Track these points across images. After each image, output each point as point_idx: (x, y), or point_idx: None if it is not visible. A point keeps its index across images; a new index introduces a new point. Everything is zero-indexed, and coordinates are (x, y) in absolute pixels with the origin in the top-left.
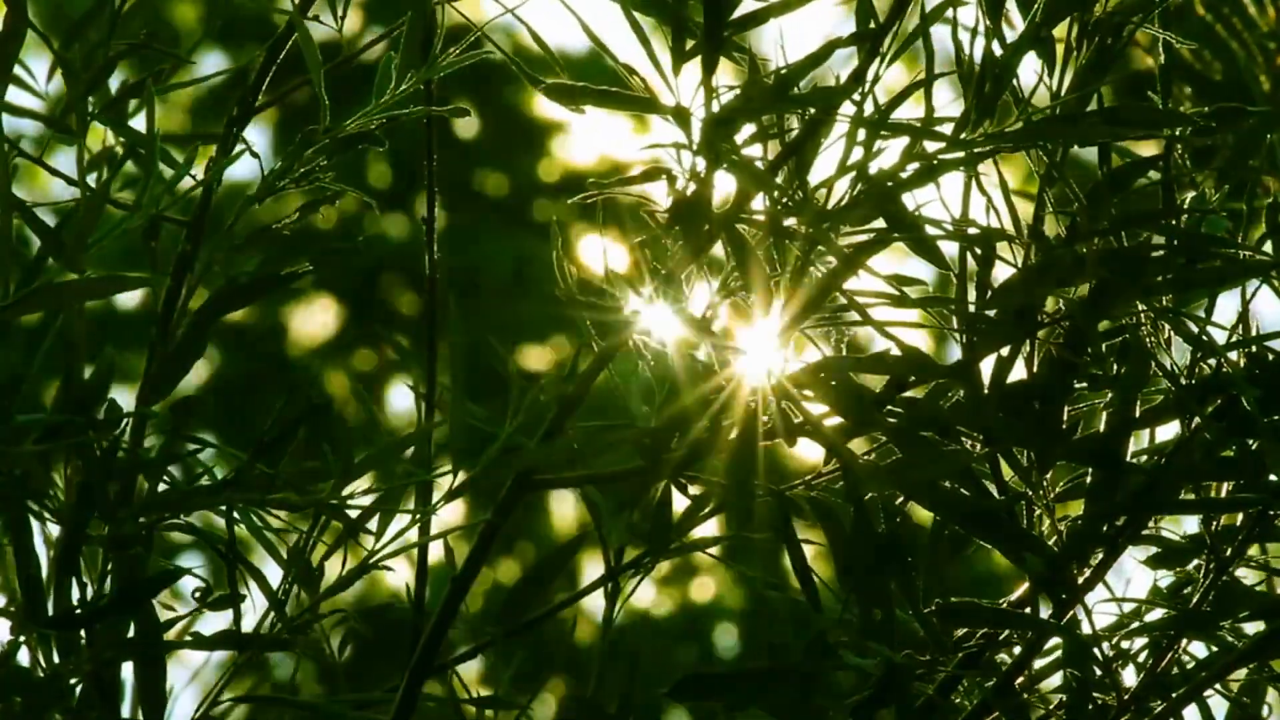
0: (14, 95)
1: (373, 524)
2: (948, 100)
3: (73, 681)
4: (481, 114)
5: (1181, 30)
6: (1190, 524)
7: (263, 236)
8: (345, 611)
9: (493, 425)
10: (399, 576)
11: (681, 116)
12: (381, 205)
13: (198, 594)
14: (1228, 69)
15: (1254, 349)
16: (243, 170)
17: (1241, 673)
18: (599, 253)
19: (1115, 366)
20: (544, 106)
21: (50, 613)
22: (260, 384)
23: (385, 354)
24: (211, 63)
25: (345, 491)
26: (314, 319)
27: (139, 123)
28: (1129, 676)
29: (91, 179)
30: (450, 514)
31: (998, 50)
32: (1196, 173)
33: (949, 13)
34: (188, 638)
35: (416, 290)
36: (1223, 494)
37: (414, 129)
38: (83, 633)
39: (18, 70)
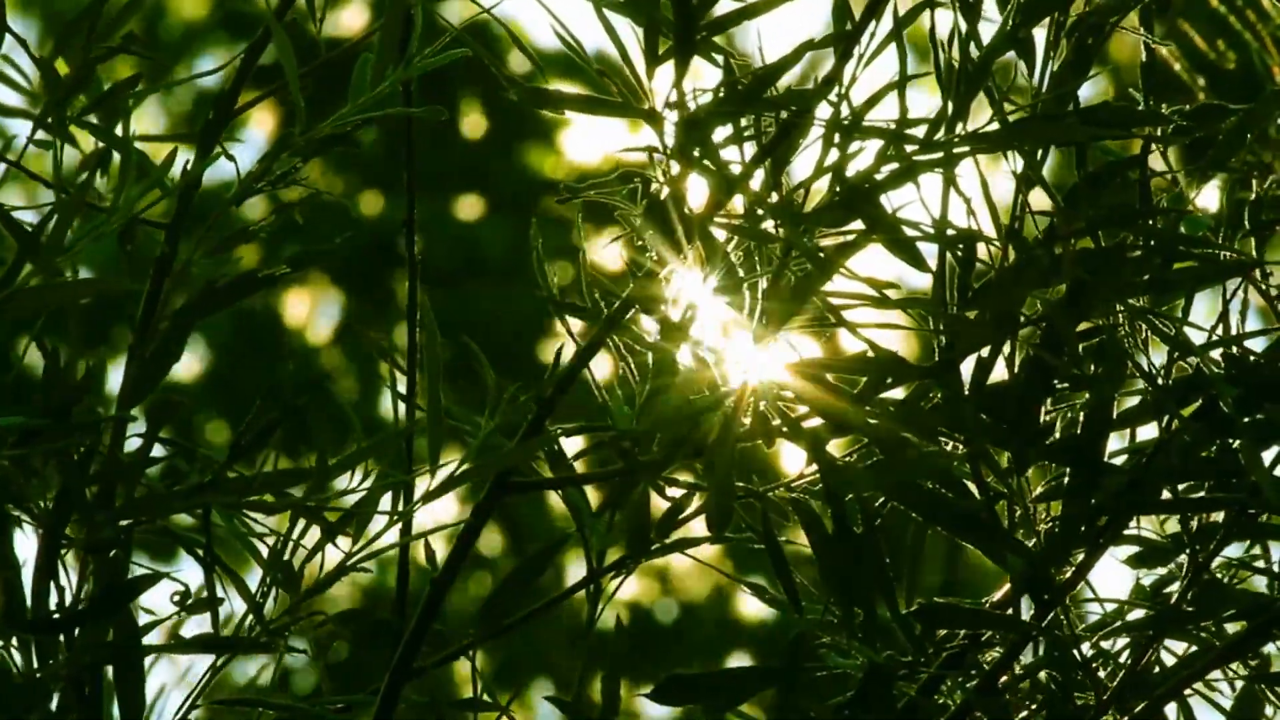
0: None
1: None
2: (929, 99)
3: (50, 686)
4: (486, 109)
5: (1194, 21)
6: (1172, 523)
7: (241, 237)
8: (324, 614)
9: (472, 424)
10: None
11: (654, 120)
12: (379, 186)
13: (176, 597)
14: (1241, 59)
15: (1233, 348)
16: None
17: (1226, 671)
18: (580, 253)
19: (1093, 367)
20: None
21: (29, 617)
22: (260, 368)
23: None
24: (212, 60)
25: (328, 491)
26: (313, 303)
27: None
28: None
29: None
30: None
31: (974, 51)
32: (1180, 171)
33: (925, 14)
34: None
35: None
36: (1202, 493)
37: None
38: (62, 636)
39: (8, 70)
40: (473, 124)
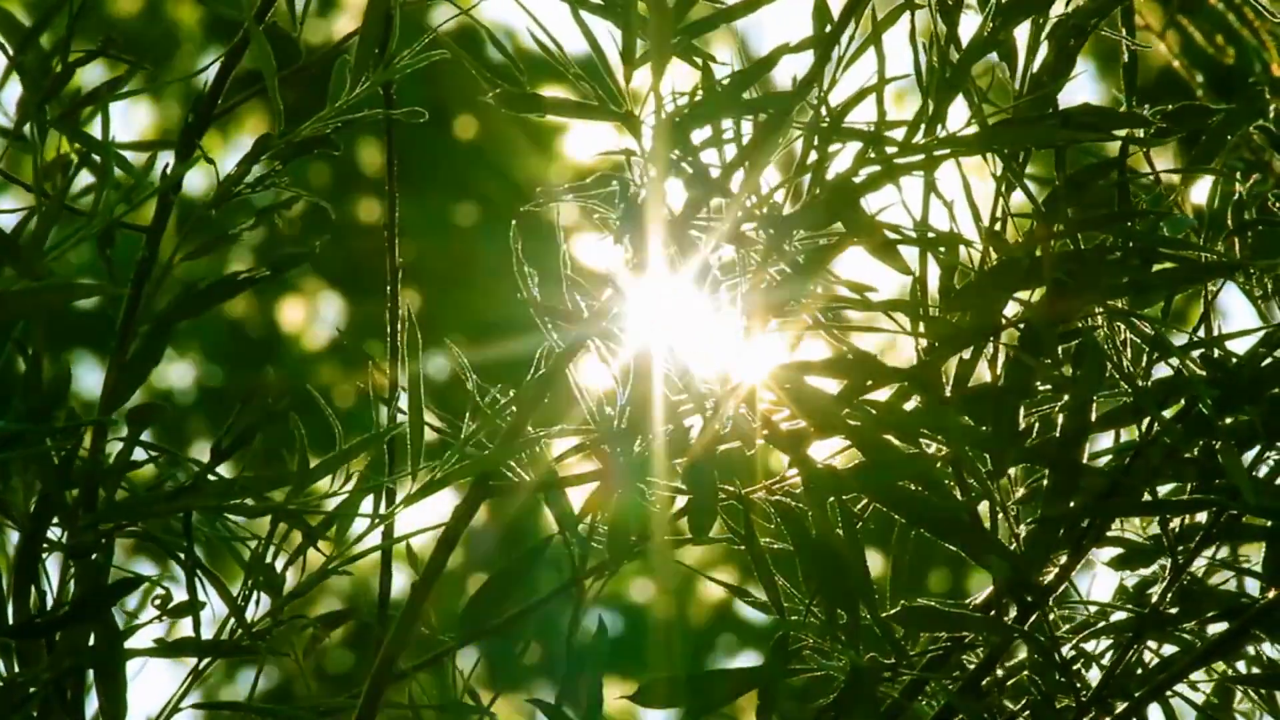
0: None
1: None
2: (909, 101)
3: (32, 690)
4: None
5: (1194, 18)
6: (1153, 524)
7: (221, 240)
8: (307, 617)
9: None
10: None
11: (631, 123)
12: (372, 190)
13: (158, 601)
14: (1240, 56)
15: (1213, 350)
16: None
17: (1209, 672)
18: (562, 256)
19: (1073, 369)
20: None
21: (10, 621)
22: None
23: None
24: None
25: (313, 494)
26: (310, 311)
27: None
28: (1096, 676)
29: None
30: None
31: (954, 53)
32: (1169, 171)
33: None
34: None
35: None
36: (1183, 495)
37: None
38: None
39: None
40: (466, 126)
